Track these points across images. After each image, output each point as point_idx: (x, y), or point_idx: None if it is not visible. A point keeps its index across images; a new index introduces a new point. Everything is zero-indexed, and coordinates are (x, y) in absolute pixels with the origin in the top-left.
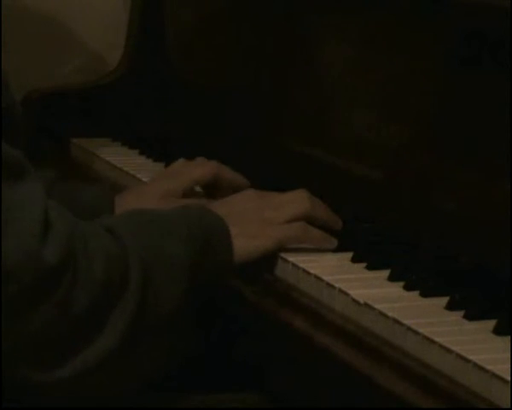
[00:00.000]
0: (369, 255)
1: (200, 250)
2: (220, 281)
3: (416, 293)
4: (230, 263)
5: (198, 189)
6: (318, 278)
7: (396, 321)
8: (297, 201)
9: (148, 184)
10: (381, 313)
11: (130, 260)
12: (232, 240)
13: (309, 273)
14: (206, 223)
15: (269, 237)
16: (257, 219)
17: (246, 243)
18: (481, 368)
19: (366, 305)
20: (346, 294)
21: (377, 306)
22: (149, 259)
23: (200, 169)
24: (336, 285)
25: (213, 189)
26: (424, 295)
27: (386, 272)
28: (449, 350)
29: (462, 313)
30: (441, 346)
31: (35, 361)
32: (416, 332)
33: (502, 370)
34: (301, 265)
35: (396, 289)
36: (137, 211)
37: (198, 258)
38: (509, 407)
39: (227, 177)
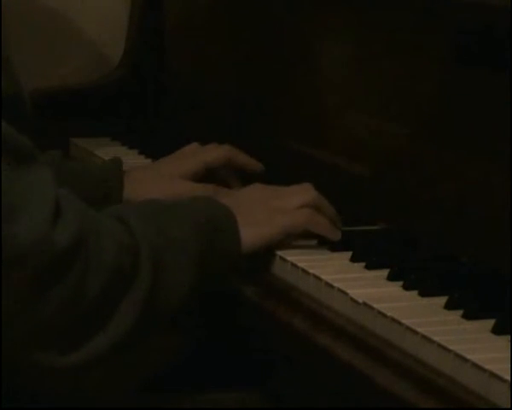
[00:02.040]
0: (368, 255)
1: (208, 238)
2: (228, 269)
3: (415, 292)
4: (238, 251)
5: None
6: (317, 278)
7: (395, 321)
8: (304, 190)
9: (159, 162)
10: (380, 313)
11: (141, 247)
12: (239, 229)
13: (308, 273)
14: (214, 212)
15: (275, 225)
16: (263, 209)
17: (253, 231)
18: (480, 367)
19: (365, 304)
20: (345, 293)
21: (376, 305)
22: (159, 246)
23: (214, 152)
24: (335, 285)
25: (223, 176)
26: (423, 294)
27: (385, 272)
28: (447, 350)
29: (460, 312)
30: (440, 345)
31: (48, 346)
32: (414, 332)
33: (500, 369)
34: (300, 264)
35: (395, 288)
36: (146, 201)
37: (206, 245)
38: (507, 406)
39: (240, 161)
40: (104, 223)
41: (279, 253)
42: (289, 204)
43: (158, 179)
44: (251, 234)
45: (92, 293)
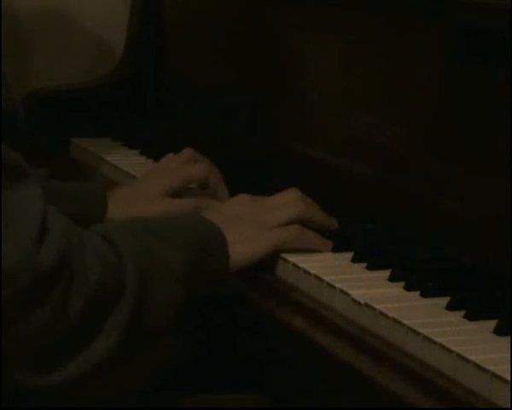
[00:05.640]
0: (370, 256)
1: (196, 257)
2: (217, 288)
3: (417, 293)
4: (227, 270)
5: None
6: (319, 279)
7: (396, 321)
8: (291, 203)
9: (140, 181)
10: (382, 314)
11: (126, 266)
12: (229, 247)
13: (309, 273)
14: (202, 230)
15: (265, 242)
16: (252, 224)
17: (243, 249)
18: (481, 368)
19: (366, 305)
20: (347, 294)
21: (378, 306)
22: (145, 265)
23: (194, 168)
24: (337, 285)
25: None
26: (424, 295)
27: (386, 273)
28: (449, 350)
29: (462, 313)
30: (441, 346)
31: (31, 365)
32: (416, 332)
33: (502, 370)
34: (302, 265)
35: (396, 289)
36: (133, 219)
37: (194, 265)
38: (508, 407)
39: (214, 180)
40: (90, 241)
41: (281, 253)
42: (277, 219)
43: (138, 198)
44: (240, 252)
45: (75, 312)
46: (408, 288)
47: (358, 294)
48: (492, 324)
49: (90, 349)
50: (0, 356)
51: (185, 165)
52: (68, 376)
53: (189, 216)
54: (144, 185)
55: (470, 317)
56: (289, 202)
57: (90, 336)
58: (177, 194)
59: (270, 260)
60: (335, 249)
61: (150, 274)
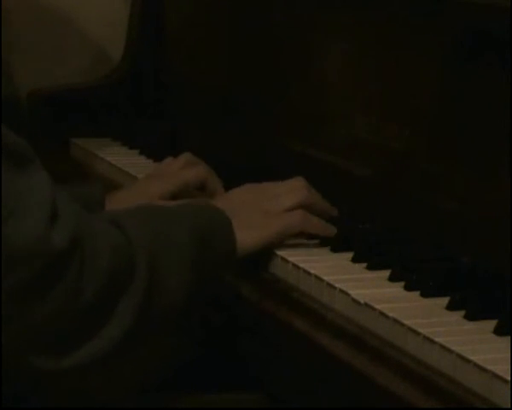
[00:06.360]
0: (370, 255)
1: (203, 240)
2: (224, 272)
3: (417, 293)
4: (233, 253)
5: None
6: (319, 279)
7: (396, 321)
8: (295, 190)
9: (139, 184)
10: (382, 314)
11: (136, 250)
12: (236, 232)
13: (309, 273)
14: (209, 215)
15: (270, 228)
16: (257, 211)
17: (249, 233)
18: (482, 368)
19: (366, 305)
20: (347, 294)
21: (378, 306)
22: (154, 249)
23: (192, 172)
24: (337, 285)
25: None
26: (424, 295)
27: (386, 273)
28: (449, 350)
29: (462, 313)
30: (442, 346)
31: (43, 349)
32: (416, 332)
33: (502, 370)
34: (302, 265)
35: (396, 289)
36: (141, 205)
37: (202, 248)
38: (508, 407)
39: (212, 184)
40: (99, 226)
41: (280, 253)
42: (283, 206)
43: (137, 201)
44: (246, 237)
45: (88, 295)
46: (408, 288)
47: (358, 294)
48: (492, 324)
49: (103, 334)
50: (15, 342)
51: (183, 169)
52: (80, 361)
53: (195, 202)
54: (143, 188)
55: (470, 317)
56: (294, 189)
57: (102, 321)
58: (175, 197)
59: (271, 259)
60: (335, 249)
61: (159, 257)
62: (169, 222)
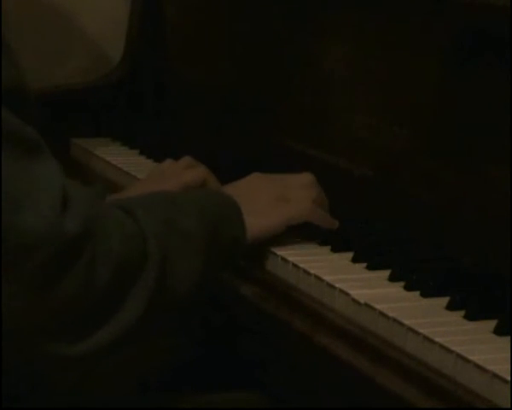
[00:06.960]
0: (370, 255)
1: (213, 225)
2: (234, 257)
3: (417, 293)
4: (243, 238)
5: None
6: (319, 278)
7: (396, 321)
8: (304, 183)
9: (138, 185)
10: (382, 314)
11: (147, 236)
12: (245, 218)
13: (309, 273)
14: (218, 201)
15: (280, 214)
16: (266, 198)
17: (258, 220)
18: (482, 368)
19: (366, 305)
20: (347, 294)
21: (377, 306)
22: (165, 235)
23: (192, 173)
24: (336, 285)
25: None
26: (424, 295)
27: (386, 273)
28: (449, 350)
29: (462, 313)
30: (442, 346)
31: (58, 335)
32: (416, 332)
33: (502, 370)
34: (302, 265)
35: (396, 289)
36: (152, 192)
37: (212, 233)
38: (508, 407)
39: (211, 186)
40: (110, 213)
41: (280, 253)
42: (291, 195)
43: None
44: (256, 223)
45: (101, 281)
46: (408, 288)
47: (358, 294)
48: (492, 324)
49: (117, 319)
50: (31, 328)
51: (183, 170)
52: (94, 346)
53: (204, 189)
54: (142, 190)
55: (470, 317)
56: (304, 184)
57: (116, 306)
58: None
59: (271, 260)
60: (335, 249)
61: (170, 243)
62: (179, 208)
